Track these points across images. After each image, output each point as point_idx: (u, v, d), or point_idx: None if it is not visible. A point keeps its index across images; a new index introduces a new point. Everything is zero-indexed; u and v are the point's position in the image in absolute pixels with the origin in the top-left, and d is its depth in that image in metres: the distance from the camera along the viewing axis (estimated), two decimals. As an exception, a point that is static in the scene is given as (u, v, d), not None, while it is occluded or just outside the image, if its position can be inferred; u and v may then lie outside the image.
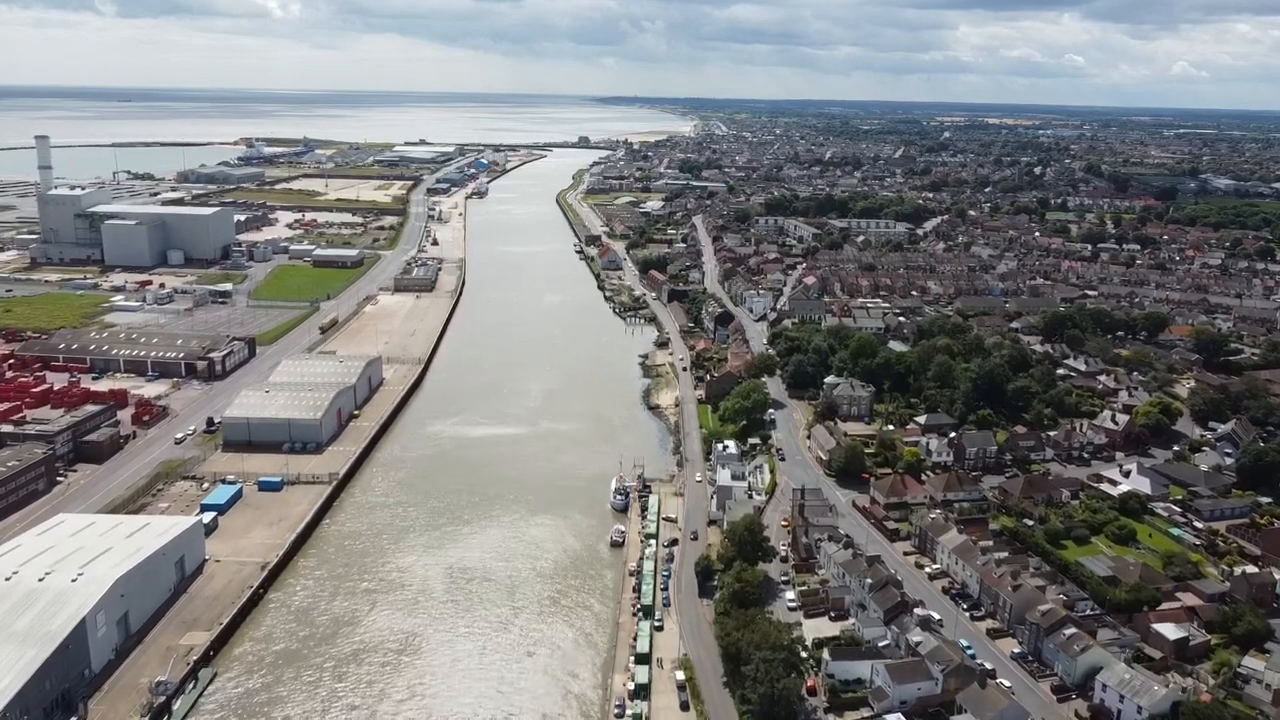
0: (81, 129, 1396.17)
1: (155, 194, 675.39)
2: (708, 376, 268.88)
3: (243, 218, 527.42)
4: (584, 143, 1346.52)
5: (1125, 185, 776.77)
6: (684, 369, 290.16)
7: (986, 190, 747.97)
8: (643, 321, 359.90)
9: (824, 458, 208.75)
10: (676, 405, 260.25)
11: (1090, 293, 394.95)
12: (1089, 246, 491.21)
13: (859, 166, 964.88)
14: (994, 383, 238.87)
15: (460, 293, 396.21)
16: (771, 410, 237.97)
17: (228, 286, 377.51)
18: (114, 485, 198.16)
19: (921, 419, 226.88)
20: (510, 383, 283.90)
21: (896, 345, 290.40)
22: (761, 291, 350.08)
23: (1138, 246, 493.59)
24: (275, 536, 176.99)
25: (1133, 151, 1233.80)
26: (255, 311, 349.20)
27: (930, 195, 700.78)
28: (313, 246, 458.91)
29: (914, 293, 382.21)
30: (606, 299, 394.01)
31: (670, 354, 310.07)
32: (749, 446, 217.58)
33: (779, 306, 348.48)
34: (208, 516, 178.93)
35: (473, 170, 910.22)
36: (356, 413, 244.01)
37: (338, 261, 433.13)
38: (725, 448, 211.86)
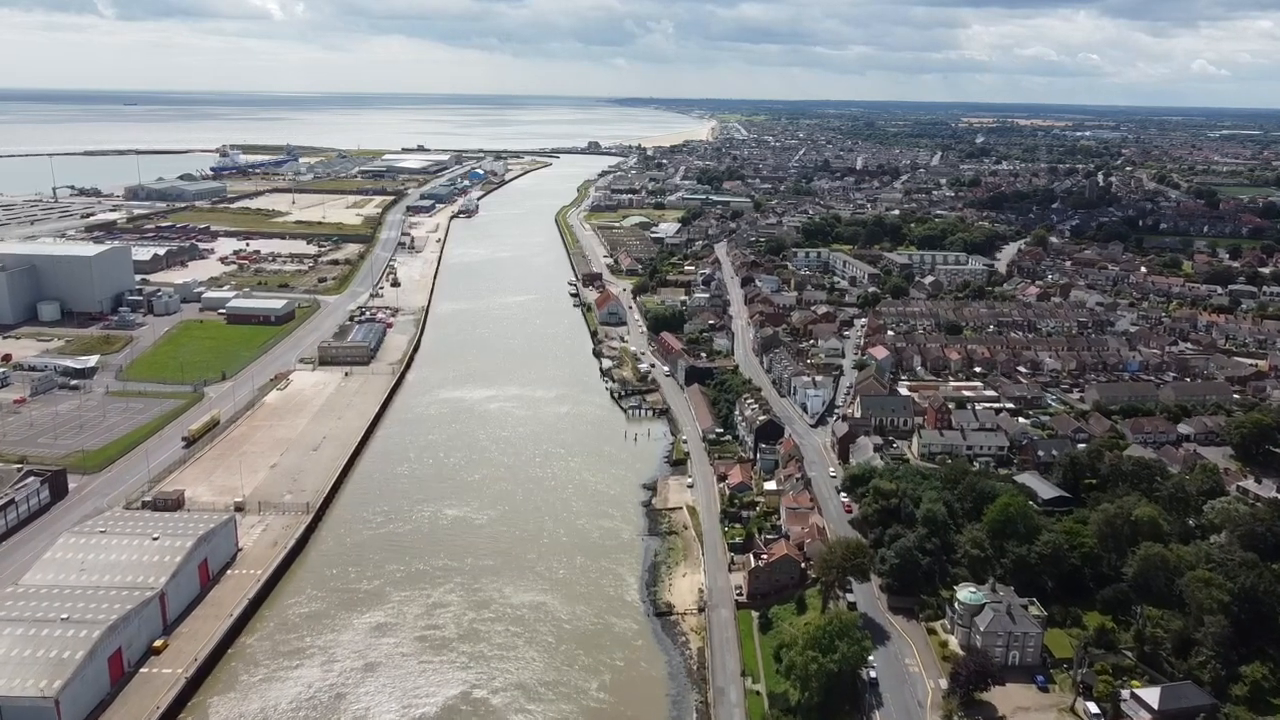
0: (51, 135, 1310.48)
1: (88, 214, 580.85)
2: (752, 555, 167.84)
3: (163, 251, 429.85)
4: (594, 148, 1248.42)
5: (1214, 200, 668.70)
6: (711, 517, 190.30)
7: (1054, 207, 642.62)
8: (651, 414, 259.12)
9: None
10: (701, 609, 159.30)
11: (1255, 363, 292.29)
12: (1218, 289, 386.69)
13: (897, 176, 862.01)
14: (1258, 603, 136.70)
15: (408, 366, 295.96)
16: (870, 654, 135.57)
17: (90, 360, 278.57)
18: None
19: (1150, 694, 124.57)
20: (438, 550, 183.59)
21: (1035, 483, 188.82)
22: (818, 380, 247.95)
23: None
24: None
25: (1193, 157, 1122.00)
26: (113, 403, 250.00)
27: (993, 214, 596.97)
28: (231, 294, 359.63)
29: (1021, 369, 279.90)
30: (603, 374, 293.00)
31: (689, 484, 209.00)
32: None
33: (843, 404, 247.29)
34: None
35: (465, 183, 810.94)
36: (160, 643, 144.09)
37: (258, 315, 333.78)
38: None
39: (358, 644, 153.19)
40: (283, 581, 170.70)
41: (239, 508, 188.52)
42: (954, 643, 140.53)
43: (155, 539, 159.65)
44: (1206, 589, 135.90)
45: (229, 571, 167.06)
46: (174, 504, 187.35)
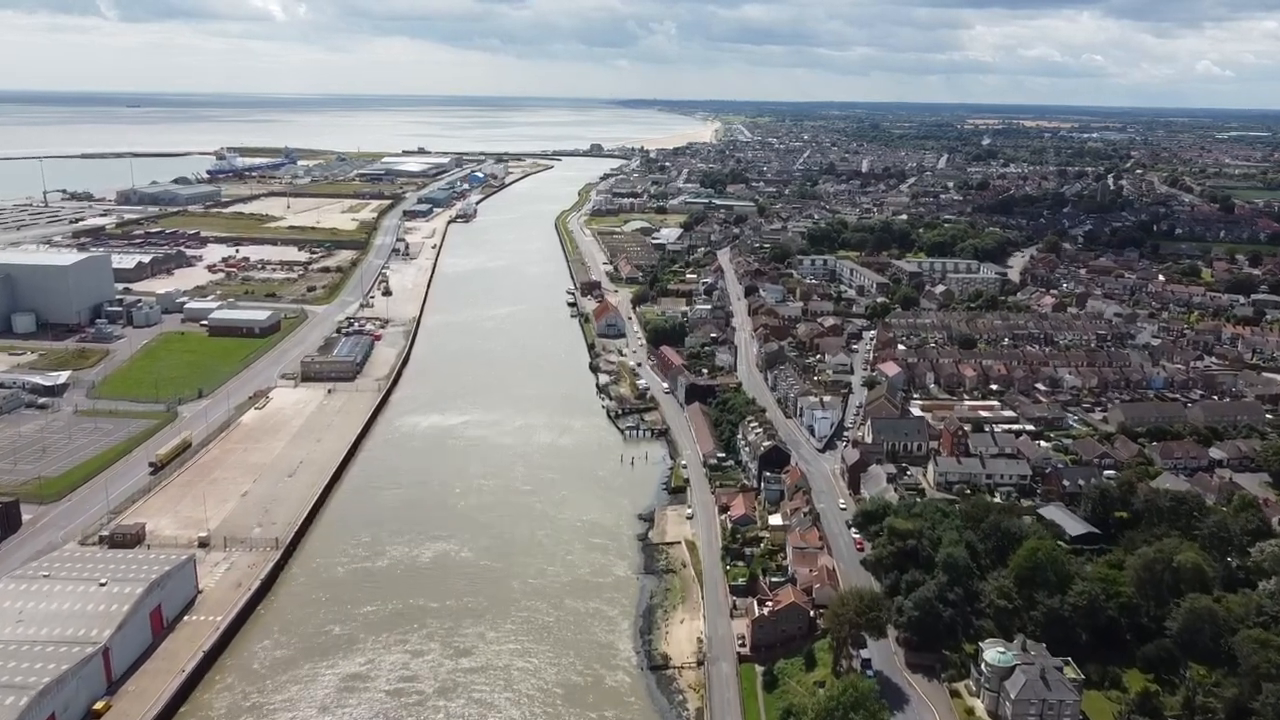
0: (47, 137, 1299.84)
1: (78, 219, 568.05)
2: (756, 600, 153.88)
3: (148, 258, 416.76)
4: (596, 150, 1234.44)
5: (1228, 204, 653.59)
6: (712, 553, 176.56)
7: (1065, 211, 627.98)
8: (649, 435, 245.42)
9: None
10: (700, 663, 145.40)
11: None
12: (1240, 299, 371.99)
13: (904, 179, 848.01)
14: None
15: (394, 382, 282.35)
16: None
17: (61, 376, 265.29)
18: None
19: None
20: (417, 589, 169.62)
21: (1062, 518, 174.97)
22: (826, 400, 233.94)
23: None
24: None
25: (1203, 159, 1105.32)
26: (81, 424, 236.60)
27: (1002, 218, 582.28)
28: (215, 304, 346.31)
29: (1040, 386, 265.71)
30: (600, 390, 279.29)
31: (689, 515, 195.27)
32: None
33: (853, 425, 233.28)
34: None
35: (464, 186, 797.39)
36: (102, 705, 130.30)
37: (241, 327, 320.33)
38: None
39: (326, 699, 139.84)
40: (246, 627, 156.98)
41: (203, 543, 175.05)
42: (980, 708, 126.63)
43: (103, 584, 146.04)
44: (1263, 650, 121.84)
45: (186, 618, 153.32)
46: (133, 539, 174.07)
